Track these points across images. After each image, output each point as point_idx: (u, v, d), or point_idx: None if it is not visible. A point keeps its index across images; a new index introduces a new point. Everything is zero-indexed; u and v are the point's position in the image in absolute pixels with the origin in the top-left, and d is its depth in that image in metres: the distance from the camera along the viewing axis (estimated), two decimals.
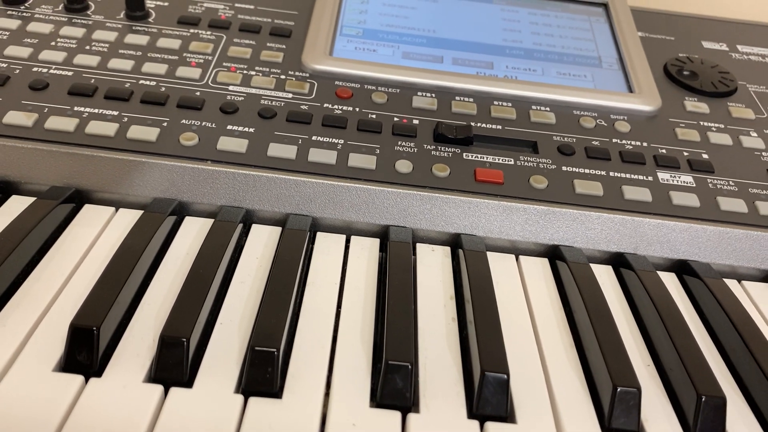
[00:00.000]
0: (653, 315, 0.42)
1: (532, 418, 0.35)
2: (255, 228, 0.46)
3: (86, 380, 0.33)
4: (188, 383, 0.34)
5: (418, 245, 0.47)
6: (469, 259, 0.44)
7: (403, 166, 0.48)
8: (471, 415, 0.35)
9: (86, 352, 0.34)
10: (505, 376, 0.34)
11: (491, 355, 0.36)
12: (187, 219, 0.46)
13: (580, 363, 0.39)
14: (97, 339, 0.34)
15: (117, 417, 0.32)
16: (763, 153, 0.55)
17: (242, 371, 0.35)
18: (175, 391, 0.33)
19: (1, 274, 0.37)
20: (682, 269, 0.48)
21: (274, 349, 0.34)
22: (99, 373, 0.34)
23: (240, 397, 0.33)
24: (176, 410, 0.32)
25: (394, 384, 0.34)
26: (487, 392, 0.34)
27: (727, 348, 0.41)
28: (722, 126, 0.57)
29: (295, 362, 0.36)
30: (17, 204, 0.45)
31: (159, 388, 0.33)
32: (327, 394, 0.35)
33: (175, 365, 0.34)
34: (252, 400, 0.33)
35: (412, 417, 0.34)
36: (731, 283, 0.47)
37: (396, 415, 0.34)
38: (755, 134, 0.57)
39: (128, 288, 0.38)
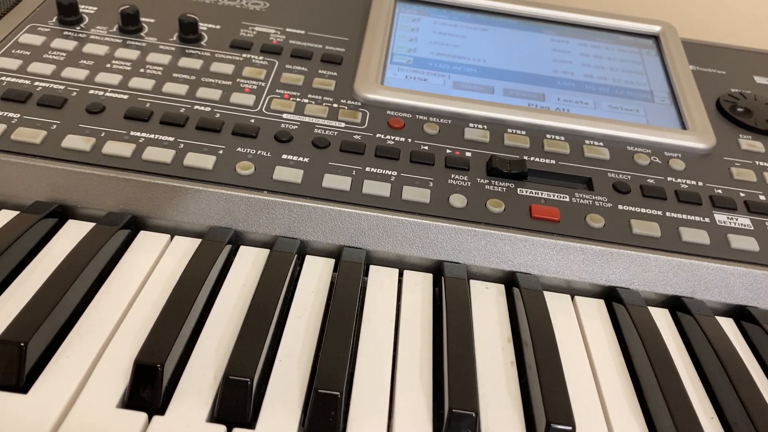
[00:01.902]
0: (715, 364, 0.41)
1: None
2: (309, 259, 0.46)
3: (149, 417, 0.33)
4: (251, 424, 0.34)
5: (472, 282, 0.47)
6: (527, 299, 0.43)
7: (458, 200, 0.48)
8: None
9: (150, 389, 0.34)
10: (571, 428, 0.34)
11: (556, 405, 0.35)
12: (243, 248, 0.46)
13: (642, 413, 0.38)
14: (161, 376, 0.34)
15: None
16: None
17: (304, 412, 0.35)
18: None
19: (64, 303, 0.37)
20: (740, 315, 0.47)
21: (338, 392, 0.34)
22: (162, 410, 0.34)
23: (217, 427, 0.33)
24: None
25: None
26: None
27: None
28: None
29: (355, 404, 0.36)
30: (75, 229, 0.45)
31: (222, 430, 0.33)
32: None
33: (238, 406, 0.34)
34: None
35: None
36: None
37: None
38: None
39: (190, 321, 0.38)
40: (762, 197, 0.53)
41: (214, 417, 0.34)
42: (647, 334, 0.42)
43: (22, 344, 0.34)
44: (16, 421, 0.32)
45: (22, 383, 0.34)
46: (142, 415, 0.33)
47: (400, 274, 0.47)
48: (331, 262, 0.46)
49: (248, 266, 0.44)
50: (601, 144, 0.55)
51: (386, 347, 0.40)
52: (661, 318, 0.46)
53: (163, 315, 0.37)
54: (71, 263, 0.40)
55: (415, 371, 0.38)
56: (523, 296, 0.44)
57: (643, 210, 0.50)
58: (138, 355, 0.34)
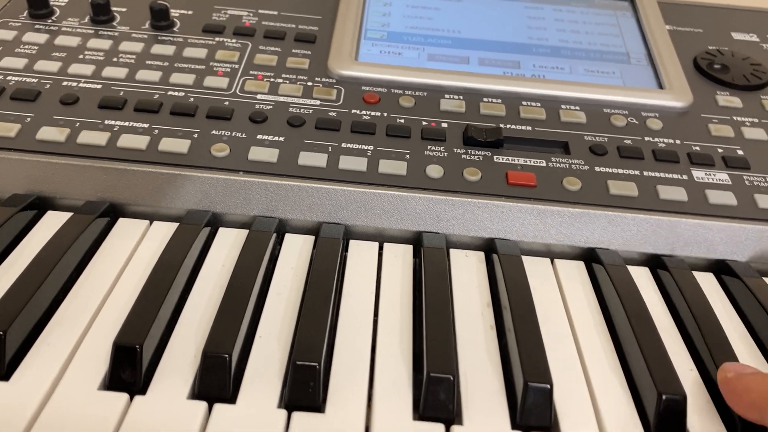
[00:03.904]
0: (690, 319, 0.41)
1: (577, 428, 0.34)
2: (288, 237, 0.46)
3: (131, 398, 0.34)
4: (231, 399, 0.34)
5: (452, 251, 0.47)
6: (505, 264, 0.44)
7: (434, 171, 0.48)
8: (514, 426, 0.34)
9: (130, 370, 0.34)
10: (549, 386, 0.34)
11: (533, 364, 0.35)
12: (221, 230, 0.46)
13: (621, 370, 0.39)
14: (141, 357, 0.34)
15: None
16: None
17: (284, 385, 0.35)
18: (219, 408, 0.33)
19: (43, 292, 0.38)
20: (721, 269, 0.47)
21: (316, 363, 0.34)
22: (143, 391, 0.34)
23: (283, 413, 0.33)
24: (221, 427, 0.33)
25: (437, 396, 0.34)
26: (531, 403, 0.34)
27: None
28: (756, 120, 0.56)
29: (335, 375, 0.36)
30: (54, 219, 0.45)
31: (203, 405, 0.33)
32: (369, 406, 0.35)
33: (218, 382, 0.34)
34: (295, 414, 0.33)
35: (455, 430, 0.34)
36: None
37: (439, 428, 0.34)
38: None
39: (168, 302, 0.38)
40: (740, 152, 0.53)
41: (195, 394, 0.34)
42: (626, 293, 0.42)
43: (1, 333, 0.34)
44: None
45: (3, 371, 0.34)
46: (124, 396, 0.33)
47: (381, 248, 0.47)
48: (311, 239, 0.46)
49: (227, 247, 0.44)
50: (577, 108, 0.55)
51: (366, 319, 0.40)
52: (641, 276, 0.46)
53: (141, 297, 0.37)
54: (50, 252, 0.40)
55: (395, 341, 0.39)
56: (501, 262, 0.44)
57: (620, 171, 0.50)
58: (117, 336, 0.35)
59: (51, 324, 0.37)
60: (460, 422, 0.34)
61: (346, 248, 0.46)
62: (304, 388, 0.34)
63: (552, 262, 0.47)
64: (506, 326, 0.40)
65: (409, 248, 0.46)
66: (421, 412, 0.34)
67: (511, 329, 0.38)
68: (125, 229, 0.45)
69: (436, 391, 0.34)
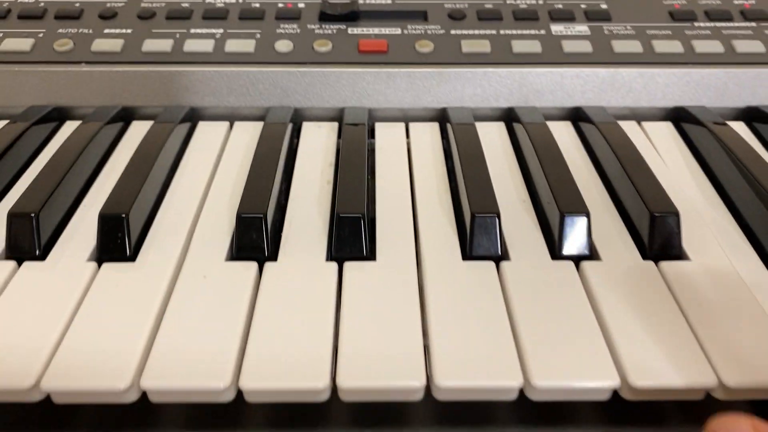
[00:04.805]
0: (533, 157, 0.41)
1: (394, 253, 0.34)
2: (134, 124, 0.46)
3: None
4: (42, 257, 0.34)
5: (305, 124, 0.46)
6: (346, 131, 0.43)
7: (283, 46, 0.47)
8: (330, 257, 0.34)
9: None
10: (359, 215, 0.34)
11: (347, 199, 0.35)
12: (67, 123, 0.46)
13: (453, 209, 0.38)
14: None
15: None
16: None
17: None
18: (27, 265, 0.33)
19: None
20: (578, 117, 0.47)
21: (123, 213, 0.34)
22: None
23: (92, 265, 0.33)
24: (25, 281, 0.32)
25: (248, 236, 0.34)
26: (343, 233, 0.34)
27: (612, 180, 0.40)
28: None
29: (154, 230, 0.36)
30: None
31: (11, 264, 0.33)
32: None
33: (25, 240, 0.34)
34: (105, 265, 0.33)
35: (267, 265, 0.33)
36: (630, 125, 0.46)
37: (250, 265, 0.33)
38: None
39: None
40: (603, 6, 0.52)
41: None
42: (466, 144, 0.41)
43: None
44: None
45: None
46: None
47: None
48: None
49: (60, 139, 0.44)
50: None
51: (197, 186, 0.40)
52: (493, 131, 0.46)
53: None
54: None
55: (224, 198, 0.38)
56: (344, 129, 0.43)
57: (476, 32, 0.49)
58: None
59: None
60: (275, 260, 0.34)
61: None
62: (113, 239, 0.34)
63: (406, 126, 0.46)
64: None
65: (259, 125, 0.46)
66: (234, 253, 0.34)
67: (340, 178, 0.38)
68: None
69: (247, 232, 0.34)
